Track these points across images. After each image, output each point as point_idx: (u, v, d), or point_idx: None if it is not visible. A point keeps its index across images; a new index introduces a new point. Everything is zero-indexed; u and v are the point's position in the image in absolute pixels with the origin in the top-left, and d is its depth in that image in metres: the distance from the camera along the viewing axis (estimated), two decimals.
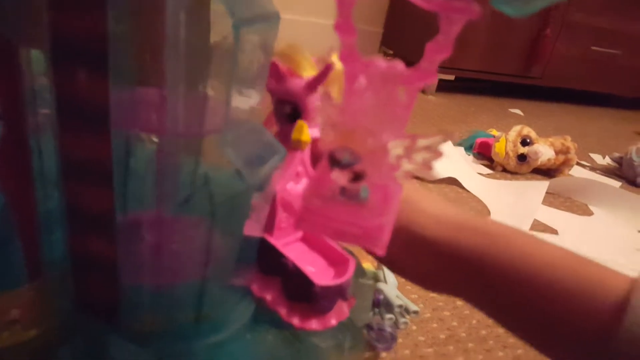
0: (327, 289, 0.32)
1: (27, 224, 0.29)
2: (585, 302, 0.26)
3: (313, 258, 0.35)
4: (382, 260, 0.36)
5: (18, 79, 0.24)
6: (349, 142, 0.21)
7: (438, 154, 0.21)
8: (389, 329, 0.63)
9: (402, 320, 0.66)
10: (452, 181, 1.12)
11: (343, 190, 0.23)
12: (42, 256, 0.29)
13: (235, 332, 0.31)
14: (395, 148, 0.21)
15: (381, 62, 0.21)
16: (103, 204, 0.26)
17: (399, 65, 0.21)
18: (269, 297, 0.33)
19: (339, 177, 0.21)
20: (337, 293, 0.33)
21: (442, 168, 1.11)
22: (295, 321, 0.32)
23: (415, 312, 0.67)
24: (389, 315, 0.65)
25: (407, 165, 0.22)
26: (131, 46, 0.23)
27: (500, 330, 0.70)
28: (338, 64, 0.32)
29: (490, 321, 0.71)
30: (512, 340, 0.68)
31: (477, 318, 0.71)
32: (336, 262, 0.35)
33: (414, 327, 0.68)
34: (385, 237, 0.23)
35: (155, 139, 0.24)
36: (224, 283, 0.29)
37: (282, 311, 0.32)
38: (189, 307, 0.29)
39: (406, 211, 0.32)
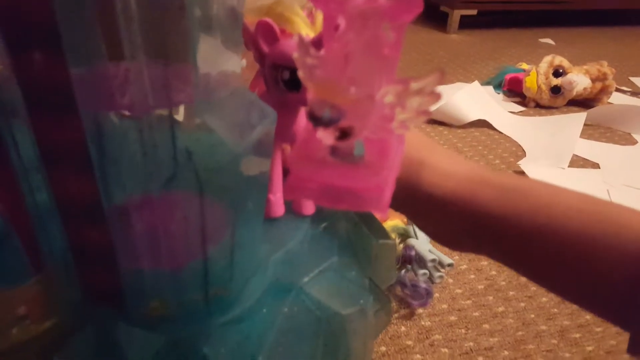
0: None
1: (18, 219, 0.28)
2: (613, 248, 0.24)
3: None
4: None
5: None
6: (329, 95, 0.18)
7: (435, 97, 0.18)
8: (423, 285, 0.61)
9: (436, 274, 0.63)
10: (482, 124, 1.07)
11: (333, 151, 0.20)
12: (42, 249, 0.28)
13: (249, 308, 0.30)
14: (386, 96, 0.18)
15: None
16: (87, 190, 0.25)
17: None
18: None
19: (324, 136, 0.19)
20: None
21: (470, 111, 1.05)
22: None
23: (450, 265, 0.64)
24: (422, 271, 0.63)
25: (401, 115, 0.19)
26: (84, 19, 0.21)
27: None
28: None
29: None
30: None
31: None
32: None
33: (450, 280, 0.65)
34: (386, 196, 0.20)
35: (128, 116, 0.22)
36: (227, 260, 0.28)
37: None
38: (196, 288, 0.28)
39: (415, 169, 0.30)
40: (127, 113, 0.22)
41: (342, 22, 0.19)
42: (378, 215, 0.31)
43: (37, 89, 0.21)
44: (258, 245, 0.31)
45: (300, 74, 0.19)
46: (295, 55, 0.19)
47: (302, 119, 0.34)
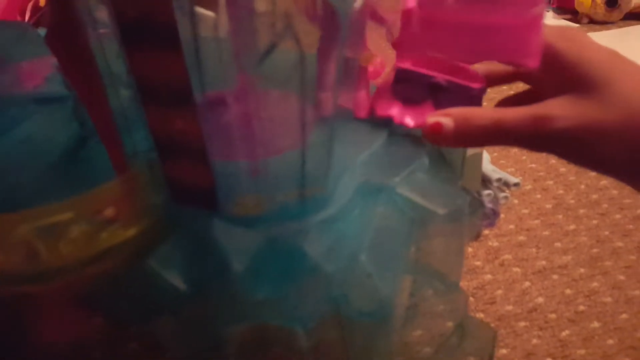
0: (483, 90, 0.27)
1: (101, 117, 0.26)
2: None
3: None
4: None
5: None
6: None
7: None
8: (489, 205, 0.59)
9: (501, 195, 0.60)
10: None
11: None
12: (126, 150, 0.27)
13: (342, 208, 0.28)
14: None
15: None
16: (174, 70, 0.22)
17: None
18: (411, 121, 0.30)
19: None
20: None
21: None
22: None
23: (517, 185, 0.61)
24: (487, 191, 0.60)
25: None
26: None
27: (614, 192, 0.63)
28: None
29: (601, 184, 0.65)
30: (629, 200, 0.62)
31: (585, 183, 0.65)
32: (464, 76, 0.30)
33: (516, 201, 0.62)
34: (539, 38, 0.17)
35: None
36: (325, 152, 0.25)
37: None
38: (291, 183, 0.26)
39: (615, 73, 0.22)
40: None
41: None
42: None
43: None
44: (348, 142, 0.29)
45: None
46: None
47: None
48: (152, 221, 0.27)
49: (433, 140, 0.25)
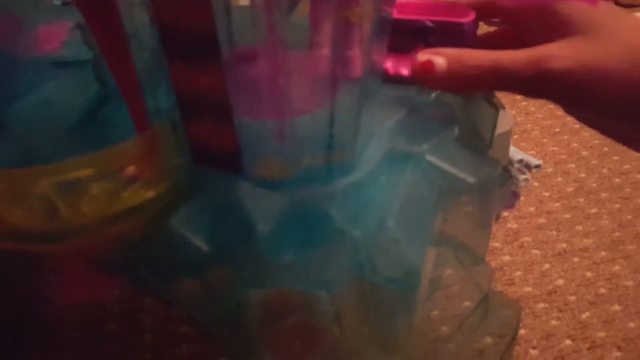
0: (473, 24, 0.27)
1: (124, 72, 0.25)
2: None
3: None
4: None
5: None
6: None
7: None
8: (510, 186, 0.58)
9: (522, 177, 0.59)
10: None
11: None
12: (147, 109, 0.26)
13: (369, 174, 0.27)
14: None
15: None
16: (201, 20, 0.21)
17: None
18: (406, 70, 0.29)
19: None
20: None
21: None
22: None
23: (538, 167, 0.60)
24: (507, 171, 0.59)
25: None
26: None
27: (638, 176, 0.61)
28: None
29: (625, 167, 0.63)
30: None
31: (607, 167, 0.63)
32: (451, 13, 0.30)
33: (536, 184, 0.61)
34: None
35: None
36: (355, 112, 0.24)
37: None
38: (318, 145, 0.25)
39: None
40: None
41: None
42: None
43: None
44: (377, 107, 0.28)
45: None
46: None
47: None
48: (174, 182, 0.26)
49: (424, 82, 0.24)
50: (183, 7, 0.21)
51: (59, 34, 0.39)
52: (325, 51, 0.23)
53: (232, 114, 0.24)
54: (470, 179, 0.29)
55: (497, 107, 0.34)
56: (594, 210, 0.57)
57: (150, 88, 0.26)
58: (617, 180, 0.62)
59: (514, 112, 0.73)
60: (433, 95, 0.34)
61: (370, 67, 0.26)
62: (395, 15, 0.31)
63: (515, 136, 0.69)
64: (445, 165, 0.29)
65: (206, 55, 0.22)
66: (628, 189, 0.60)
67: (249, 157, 0.25)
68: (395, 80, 0.33)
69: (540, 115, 0.73)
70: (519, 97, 0.77)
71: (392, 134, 0.30)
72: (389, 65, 0.32)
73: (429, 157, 0.29)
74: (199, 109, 0.25)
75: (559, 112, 0.74)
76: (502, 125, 0.41)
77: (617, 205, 0.58)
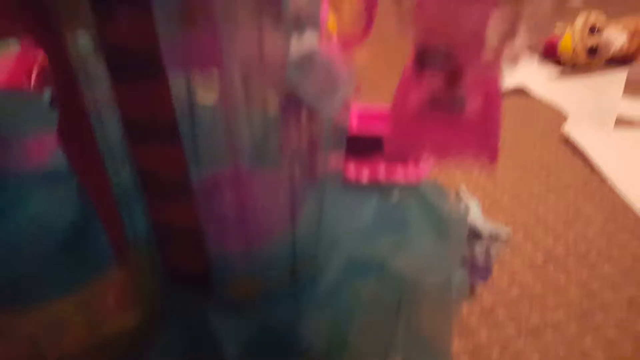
0: None
1: (104, 204, 0.27)
2: None
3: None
4: None
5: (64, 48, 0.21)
6: (439, 32, 0.17)
7: (550, 25, 0.16)
8: (481, 259, 0.60)
9: (493, 247, 0.62)
10: (520, 90, 1.03)
11: (434, 102, 0.19)
12: (126, 236, 0.28)
13: (334, 284, 0.29)
14: (495, 30, 0.17)
15: None
16: (175, 164, 0.24)
17: None
18: (365, 175, 0.32)
19: (431, 85, 0.17)
20: None
21: (508, 78, 1.02)
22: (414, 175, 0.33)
23: (507, 237, 0.63)
24: (479, 245, 0.61)
25: (516, 43, 0.17)
26: None
27: (602, 243, 0.64)
28: None
29: (589, 234, 0.66)
30: (616, 251, 0.63)
31: (573, 234, 0.66)
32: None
33: (508, 254, 0.64)
34: (495, 142, 0.19)
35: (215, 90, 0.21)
36: (315, 232, 0.27)
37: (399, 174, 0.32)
38: (283, 265, 0.27)
39: None
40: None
41: None
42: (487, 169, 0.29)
43: (122, 57, 0.20)
44: (338, 217, 0.30)
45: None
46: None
47: None
48: (150, 308, 0.28)
49: None
50: (159, 154, 0.23)
51: (48, 144, 0.41)
52: (290, 169, 0.26)
53: (204, 241, 0.26)
54: (428, 282, 0.31)
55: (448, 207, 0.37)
56: (562, 280, 0.60)
57: (129, 215, 0.28)
58: (582, 247, 0.64)
59: (483, 179, 0.76)
60: (395, 197, 0.36)
61: (330, 175, 0.29)
62: (355, 126, 0.34)
63: (486, 205, 0.72)
64: (403, 270, 0.31)
65: (180, 192, 0.25)
66: (593, 257, 0.63)
67: (218, 277, 0.27)
68: (356, 185, 0.36)
69: (508, 182, 0.76)
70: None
71: (354, 240, 0.32)
72: (350, 169, 0.35)
73: (389, 261, 0.31)
74: (172, 236, 0.27)
75: (526, 178, 0.78)
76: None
77: (583, 274, 0.60)
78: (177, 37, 0.19)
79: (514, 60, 0.17)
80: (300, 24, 0.20)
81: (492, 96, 0.19)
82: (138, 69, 0.20)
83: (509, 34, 0.16)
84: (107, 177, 0.25)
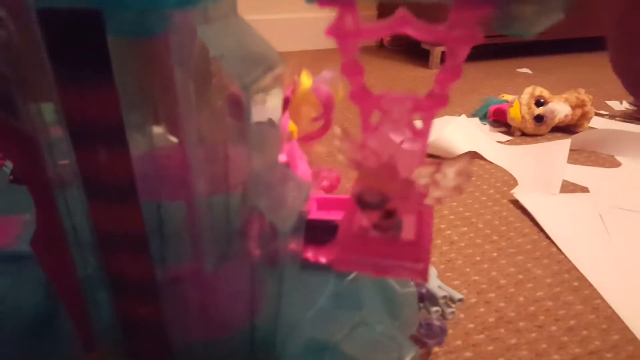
0: None
1: (71, 296, 0.29)
2: None
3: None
4: None
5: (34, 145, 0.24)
6: (374, 181, 0.21)
7: (468, 177, 0.20)
8: (437, 323, 0.63)
9: (448, 310, 0.65)
10: (473, 155, 1.10)
11: (376, 226, 0.22)
12: (93, 327, 0.29)
13: None
14: (421, 177, 0.21)
15: (393, 94, 0.21)
16: (142, 270, 0.26)
17: (411, 95, 0.21)
18: (324, 259, 0.35)
19: (370, 219, 0.21)
20: None
21: (461, 143, 1.09)
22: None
23: (461, 300, 0.66)
24: (434, 308, 0.64)
25: (435, 192, 0.21)
26: (145, 113, 0.23)
27: (549, 303, 0.69)
28: (306, 82, 0.32)
29: (537, 295, 0.70)
30: (562, 311, 0.67)
31: (523, 295, 0.70)
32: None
33: (462, 315, 0.67)
34: (426, 265, 0.22)
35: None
36: (273, 326, 0.29)
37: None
38: (243, 353, 0.29)
39: None
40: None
41: (377, 113, 0.21)
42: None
43: (100, 181, 0.23)
44: (295, 305, 0.33)
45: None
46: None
47: None
48: None
49: None
50: (129, 261, 0.26)
51: (14, 227, 0.42)
52: (251, 259, 0.28)
53: (168, 333, 0.28)
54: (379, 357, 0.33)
55: (399, 284, 0.40)
56: (513, 341, 0.63)
57: (95, 306, 0.30)
58: (532, 308, 0.68)
59: (439, 241, 0.81)
60: (349, 278, 0.39)
61: (289, 260, 0.32)
62: (313, 213, 0.37)
63: (442, 266, 0.76)
64: (356, 354, 0.33)
65: (146, 292, 0.27)
66: (542, 317, 0.67)
67: None
68: (315, 267, 0.39)
69: (463, 244, 0.81)
70: (443, 226, 0.86)
71: (311, 324, 0.35)
72: (310, 254, 0.38)
73: (342, 347, 0.33)
74: (137, 329, 0.28)
75: (479, 240, 0.83)
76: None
77: (533, 335, 0.64)
78: (147, 165, 0.22)
79: (438, 201, 0.21)
80: (261, 138, 0.23)
81: (425, 216, 0.23)
82: (112, 193, 0.22)
83: (431, 184, 0.20)
84: (75, 274, 0.27)
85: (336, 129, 0.26)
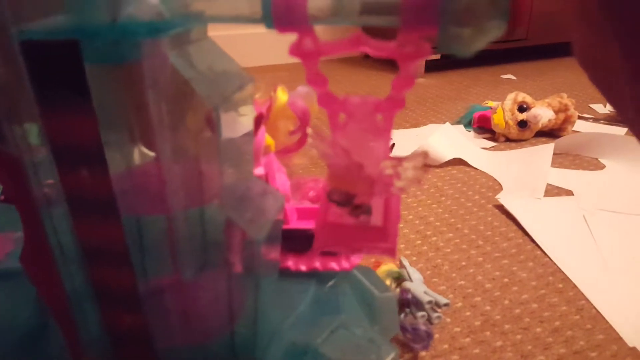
0: None
1: (59, 308, 0.30)
2: None
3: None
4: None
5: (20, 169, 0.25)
6: (343, 179, 0.23)
7: (424, 170, 0.22)
8: (423, 327, 0.64)
9: (434, 315, 0.66)
10: (458, 161, 1.12)
11: (347, 214, 0.24)
12: (81, 337, 0.31)
13: None
14: (386, 169, 0.23)
15: (356, 98, 0.23)
16: (125, 281, 0.27)
17: (372, 98, 0.23)
18: (304, 267, 0.37)
19: (340, 213, 0.23)
20: None
21: (446, 150, 1.11)
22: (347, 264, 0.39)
23: (447, 305, 0.67)
24: (420, 313, 0.65)
25: (398, 183, 0.23)
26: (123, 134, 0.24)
27: (534, 305, 0.70)
28: (282, 98, 0.34)
29: (523, 298, 0.72)
30: (547, 313, 0.69)
31: (508, 298, 0.72)
32: None
33: (448, 320, 0.68)
34: (392, 243, 0.24)
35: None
36: (252, 328, 0.30)
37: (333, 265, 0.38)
38: (223, 358, 0.30)
39: None
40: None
41: (343, 116, 0.23)
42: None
43: (83, 199, 0.25)
44: (276, 311, 0.34)
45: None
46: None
47: None
48: None
49: None
50: (113, 274, 0.27)
51: (4, 245, 0.44)
52: (230, 267, 0.30)
53: (152, 340, 0.29)
54: None
55: (378, 289, 0.41)
56: (499, 344, 0.64)
57: (83, 317, 0.31)
58: (517, 310, 0.70)
59: (425, 247, 0.82)
60: (330, 283, 0.41)
61: (268, 266, 0.33)
62: (293, 222, 0.39)
63: (428, 272, 0.77)
64: (336, 357, 0.35)
65: (130, 302, 0.28)
66: (527, 319, 0.69)
67: None
68: (296, 274, 0.40)
69: (449, 250, 0.82)
70: (429, 232, 0.87)
71: (292, 329, 0.36)
72: (290, 263, 0.39)
73: (322, 350, 0.35)
74: (123, 339, 0.30)
75: (464, 245, 0.84)
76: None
77: (518, 337, 0.65)
78: (125, 182, 0.24)
79: (401, 190, 0.23)
80: (235, 153, 0.25)
81: (392, 202, 0.25)
82: (94, 211, 0.24)
83: (394, 176, 0.22)
84: (63, 287, 0.29)
85: (309, 129, 0.29)
